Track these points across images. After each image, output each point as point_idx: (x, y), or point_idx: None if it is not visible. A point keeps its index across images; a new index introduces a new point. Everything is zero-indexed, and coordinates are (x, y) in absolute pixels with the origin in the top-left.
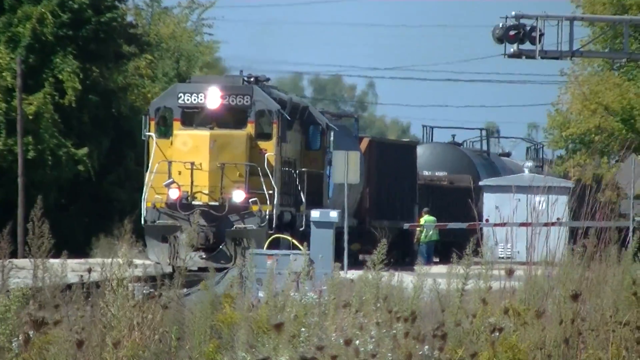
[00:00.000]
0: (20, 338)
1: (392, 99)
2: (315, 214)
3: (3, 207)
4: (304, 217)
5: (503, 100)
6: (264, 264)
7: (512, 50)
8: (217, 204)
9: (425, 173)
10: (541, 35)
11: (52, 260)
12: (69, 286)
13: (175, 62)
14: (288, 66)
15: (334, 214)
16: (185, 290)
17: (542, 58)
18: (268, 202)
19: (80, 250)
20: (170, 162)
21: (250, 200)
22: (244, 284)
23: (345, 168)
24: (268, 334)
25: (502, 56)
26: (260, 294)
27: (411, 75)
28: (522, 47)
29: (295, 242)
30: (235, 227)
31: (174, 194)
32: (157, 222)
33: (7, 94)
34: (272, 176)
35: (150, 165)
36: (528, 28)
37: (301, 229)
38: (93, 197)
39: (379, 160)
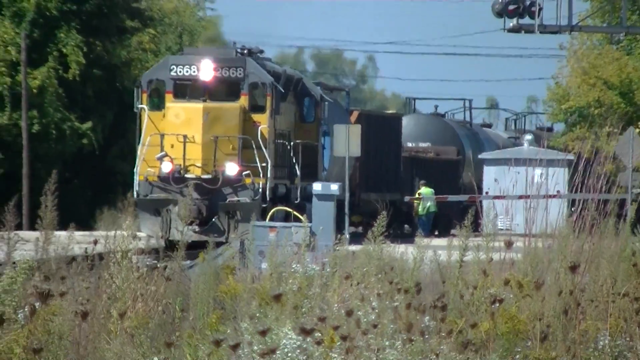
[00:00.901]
0: (26, 309)
1: (392, 73)
2: (316, 186)
3: (7, 180)
4: (298, 190)
5: (503, 74)
6: (266, 236)
7: (511, 24)
8: (210, 177)
9: (409, 144)
10: (540, 9)
11: (58, 233)
12: (74, 258)
13: (178, 37)
14: (290, 41)
15: (334, 187)
16: (188, 262)
17: (541, 32)
18: (261, 175)
19: (84, 222)
20: (162, 135)
21: (243, 173)
22: (246, 256)
23: (347, 141)
24: (271, 305)
25: (501, 30)
26: (263, 266)
27: (411, 49)
28: (521, 21)
29: (297, 215)
30: (229, 201)
31: (166, 167)
32: (150, 195)
33: (11, 69)
34: (265, 149)
35: (142, 138)
36: (527, 2)
37: (296, 202)
38: (97, 171)
39: (367, 132)
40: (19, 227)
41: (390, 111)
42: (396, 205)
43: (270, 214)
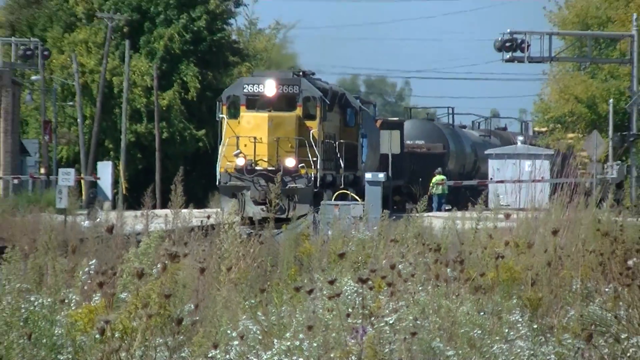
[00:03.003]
0: (158, 267)
1: (422, 92)
2: (368, 175)
3: (146, 173)
4: (342, 177)
5: (502, 92)
6: (332, 211)
7: (507, 57)
8: (274, 168)
9: (408, 142)
10: (528, 45)
11: (182, 210)
12: (193, 229)
13: (267, 68)
14: (348, 69)
15: (381, 175)
16: (275, 231)
17: (529, 62)
18: (313, 167)
19: (200, 203)
20: (238, 137)
21: (299, 166)
22: (318, 226)
23: (390, 142)
24: (336, 261)
25: (501, 61)
26: (330, 232)
27: (437, 75)
28: (515, 54)
29: (355, 196)
30: (289, 186)
31: (241, 161)
32: (229, 183)
33: (146, 92)
34: (316, 147)
35: (222, 139)
36: (519, 41)
37: (341, 187)
38: (209, 165)
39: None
40: (153, 207)
41: (396, 118)
42: (400, 189)
43: (335, 195)
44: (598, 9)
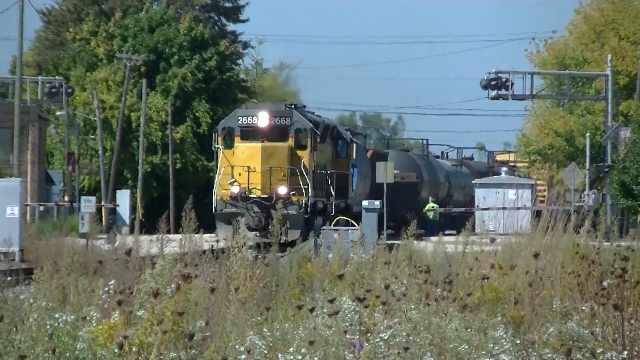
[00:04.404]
0: (172, 286)
1: (414, 127)
2: (365, 202)
3: (160, 200)
4: (333, 205)
5: (488, 127)
6: (332, 236)
7: (493, 94)
8: (267, 196)
9: None
10: (512, 84)
11: (194, 235)
12: (204, 252)
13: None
14: (346, 106)
15: (377, 203)
16: (279, 254)
17: (512, 99)
18: (304, 194)
19: (211, 228)
20: (232, 167)
21: (291, 193)
22: (318, 250)
23: (385, 172)
24: (335, 282)
25: (486, 98)
26: (330, 255)
27: (428, 111)
28: (499, 92)
29: (352, 222)
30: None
31: (235, 189)
32: (224, 210)
33: (162, 126)
34: (307, 175)
35: (218, 168)
36: (503, 79)
37: (332, 214)
38: None
39: (373, 164)
40: (168, 231)
41: (384, 150)
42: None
43: (334, 221)
44: (575, 51)
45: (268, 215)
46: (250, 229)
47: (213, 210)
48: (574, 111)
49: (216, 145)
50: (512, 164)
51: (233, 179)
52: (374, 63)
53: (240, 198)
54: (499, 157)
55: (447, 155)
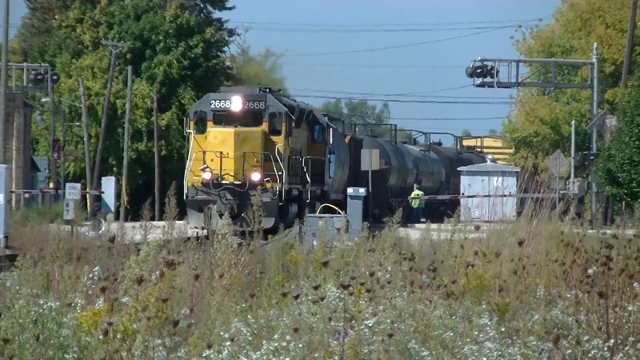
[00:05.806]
0: (157, 273)
1: (400, 115)
2: (350, 190)
3: (145, 187)
4: (309, 192)
5: (473, 114)
6: (317, 223)
7: (478, 82)
8: (240, 182)
9: None
10: (497, 72)
11: (177, 222)
12: (188, 239)
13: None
14: (331, 93)
15: (362, 190)
16: (263, 241)
17: (498, 87)
18: (278, 180)
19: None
20: (204, 152)
21: (264, 180)
22: (303, 237)
23: (370, 159)
24: (320, 269)
25: (472, 86)
26: (314, 243)
27: (414, 99)
28: (485, 80)
29: (337, 209)
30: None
31: (207, 175)
32: (195, 197)
33: (147, 113)
34: (281, 161)
35: (190, 154)
36: (489, 67)
37: (307, 201)
38: None
39: (354, 150)
40: (152, 218)
41: (359, 135)
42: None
43: (319, 208)
44: (561, 39)
45: (241, 202)
46: (222, 216)
47: (184, 197)
48: (560, 99)
49: (188, 130)
50: (478, 149)
51: (205, 165)
52: (360, 50)
53: (212, 185)
54: (465, 143)
55: (414, 140)
